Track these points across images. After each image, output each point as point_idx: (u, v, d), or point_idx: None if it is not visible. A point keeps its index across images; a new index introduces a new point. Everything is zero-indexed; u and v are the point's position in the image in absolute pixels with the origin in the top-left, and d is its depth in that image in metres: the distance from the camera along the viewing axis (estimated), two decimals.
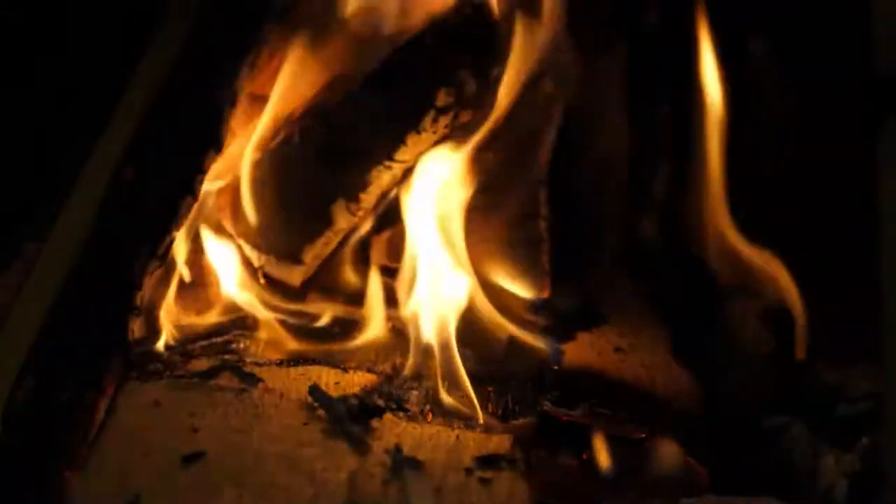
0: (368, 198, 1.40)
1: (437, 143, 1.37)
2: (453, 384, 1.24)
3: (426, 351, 1.29)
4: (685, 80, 1.37)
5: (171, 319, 1.36)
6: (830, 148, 1.37)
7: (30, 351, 1.16)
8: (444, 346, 1.27)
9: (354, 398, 1.21)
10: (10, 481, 1.10)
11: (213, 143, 1.29)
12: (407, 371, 1.29)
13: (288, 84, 1.39)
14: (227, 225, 1.43)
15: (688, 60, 1.36)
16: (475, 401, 1.23)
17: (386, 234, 1.44)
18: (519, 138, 1.39)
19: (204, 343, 1.35)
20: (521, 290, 1.40)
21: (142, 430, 1.16)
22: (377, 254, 1.47)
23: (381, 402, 1.22)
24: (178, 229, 1.28)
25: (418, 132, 1.36)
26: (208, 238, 1.41)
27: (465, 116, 1.37)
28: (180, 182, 1.28)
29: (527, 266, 1.40)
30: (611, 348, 1.40)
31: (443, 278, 1.33)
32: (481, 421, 1.21)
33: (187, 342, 1.34)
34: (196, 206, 1.32)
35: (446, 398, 1.24)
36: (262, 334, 1.36)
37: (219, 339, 1.36)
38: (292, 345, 1.35)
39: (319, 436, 1.16)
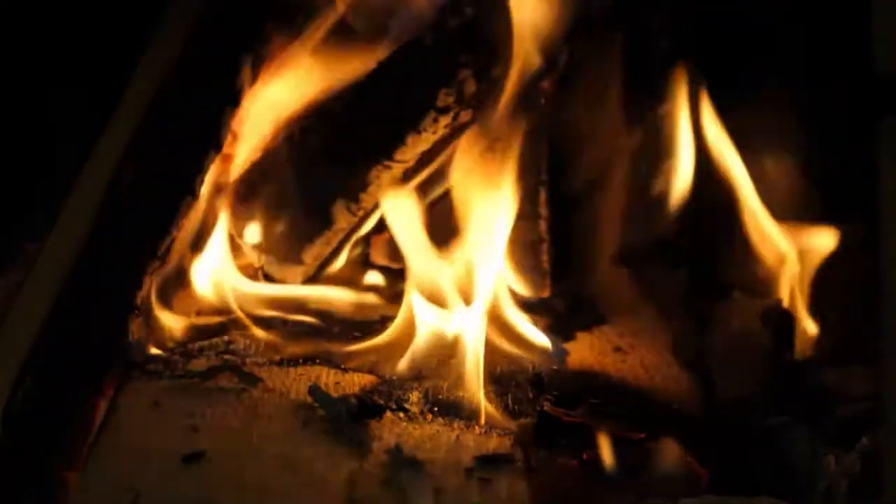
0: (368, 198, 1.40)
1: (436, 142, 1.38)
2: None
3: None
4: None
5: (171, 319, 1.36)
6: (831, 147, 1.37)
7: (30, 351, 1.16)
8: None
9: (354, 398, 1.21)
10: (10, 481, 1.10)
11: (213, 143, 1.30)
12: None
13: (288, 84, 1.39)
14: (228, 225, 1.43)
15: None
16: (483, 401, 1.23)
17: (386, 235, 1.44)
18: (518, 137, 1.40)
19: (204, 343, 1.35)
20: (521, 289, 1.40)
21: (142, 430, 1.16)
22: (377, 254, 1.47)
23: (381, 402, 1.22)
24: (178, 229, 1.28)
25: (418, 132, 1.36)
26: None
27: (465, 116, 1.37)
28: (180, 182, 1.28)
29: (527, 266, 1.40)
30: (611, 348, 1.40)
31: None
32: (482, 422, 1.21)
33: (187, 342, 1.34)
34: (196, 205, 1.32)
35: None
36: (262, 334, 1.36)
37: (219, 339, 1.36)
38: (292, 345, 1.35)
39: (319, 436, 1.16)
